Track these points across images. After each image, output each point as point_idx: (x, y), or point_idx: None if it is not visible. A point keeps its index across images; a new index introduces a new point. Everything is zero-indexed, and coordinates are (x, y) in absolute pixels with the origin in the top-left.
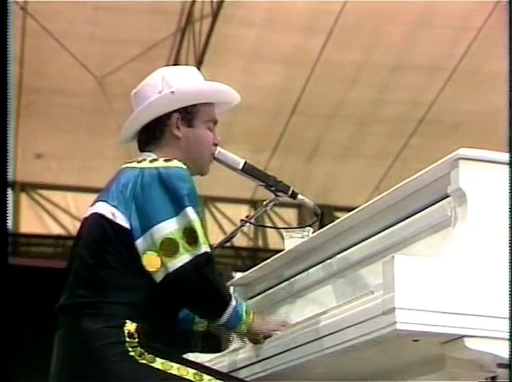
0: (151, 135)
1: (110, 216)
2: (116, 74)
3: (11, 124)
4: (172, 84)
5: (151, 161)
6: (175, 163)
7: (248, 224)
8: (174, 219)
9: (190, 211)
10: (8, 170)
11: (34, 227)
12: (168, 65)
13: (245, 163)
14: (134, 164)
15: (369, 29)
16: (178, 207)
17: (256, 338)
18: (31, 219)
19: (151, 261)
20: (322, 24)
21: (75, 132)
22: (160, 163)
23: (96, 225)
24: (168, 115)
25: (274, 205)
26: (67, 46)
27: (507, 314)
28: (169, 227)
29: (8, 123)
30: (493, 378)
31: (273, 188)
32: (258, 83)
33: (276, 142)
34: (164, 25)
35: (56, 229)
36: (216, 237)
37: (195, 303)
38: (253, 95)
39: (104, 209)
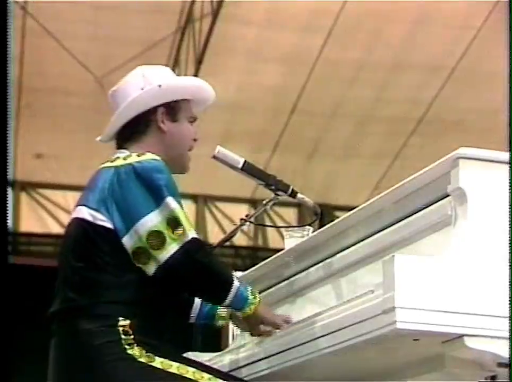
0: (135, 130)
1: (90, 219)
2: (116, 74)
3: (11, 124)
4: (153, 80)
5: (124, 158)
6: (149, 156)
7: (248, 223)
8: (156, 211)
9: (170, 201)
10: (8, 170)
11: (34, 227)
12: (167, 64)
13: (245, 162)
14: (108, 164)
15: (369, 28)
16: (158, 199)
17: (258, 324)
18: (31, 218)
19: (140, 257)
20: (321, 23)
21: (75, 132)
22: (134, 158)
23: (79, 229)
24: (153, 110)
25: (274, 204)
26: (67, 46)
27: (507, 314)
28: (152, 220)
29: (8, 123)
30: (493, 377)
31: (272, 187)
32: (258, 82)
33: (276, 141)
34: (164, 24)
35: (56, 229)
36: (216, 236)
37: (196, 289)
38: (253, 94)
39: (85, 213)
